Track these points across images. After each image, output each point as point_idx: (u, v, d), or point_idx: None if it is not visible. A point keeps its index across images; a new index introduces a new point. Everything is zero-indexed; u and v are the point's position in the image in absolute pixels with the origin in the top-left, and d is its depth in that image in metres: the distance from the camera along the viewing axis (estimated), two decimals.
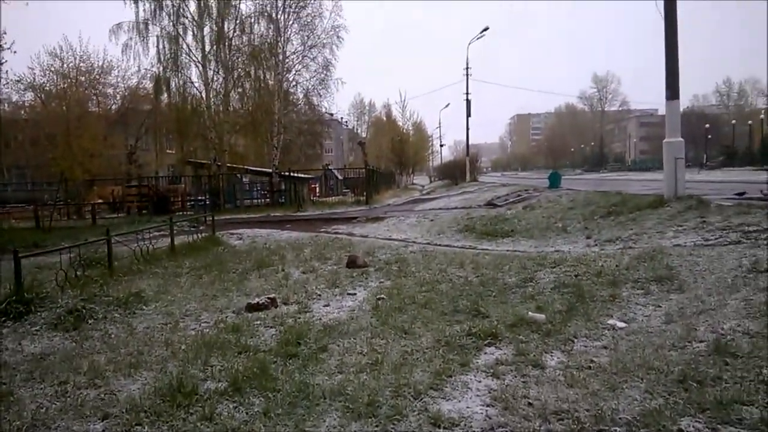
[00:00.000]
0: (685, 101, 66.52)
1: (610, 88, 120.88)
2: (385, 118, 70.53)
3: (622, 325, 4.84)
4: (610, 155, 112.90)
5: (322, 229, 15.90)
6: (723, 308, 4.81)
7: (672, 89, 12.05)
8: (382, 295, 6.53)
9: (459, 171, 48.04)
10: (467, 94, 46.98)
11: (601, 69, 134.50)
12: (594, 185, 24.47)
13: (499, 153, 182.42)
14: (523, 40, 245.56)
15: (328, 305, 6.43)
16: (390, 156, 61.44)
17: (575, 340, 4.54)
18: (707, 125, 74.39)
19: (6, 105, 37.70)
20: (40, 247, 12.36)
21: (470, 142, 49.61)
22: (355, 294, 6.94)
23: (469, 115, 47.35)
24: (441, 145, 77.63)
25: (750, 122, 73.09)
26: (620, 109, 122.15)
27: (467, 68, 47.01)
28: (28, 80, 34.09)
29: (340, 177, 44.48)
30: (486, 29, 43.29)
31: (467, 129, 47.82)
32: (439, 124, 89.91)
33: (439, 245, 11.50)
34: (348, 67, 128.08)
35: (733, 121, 74.80)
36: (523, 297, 6.12)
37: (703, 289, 5.48)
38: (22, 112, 38.63)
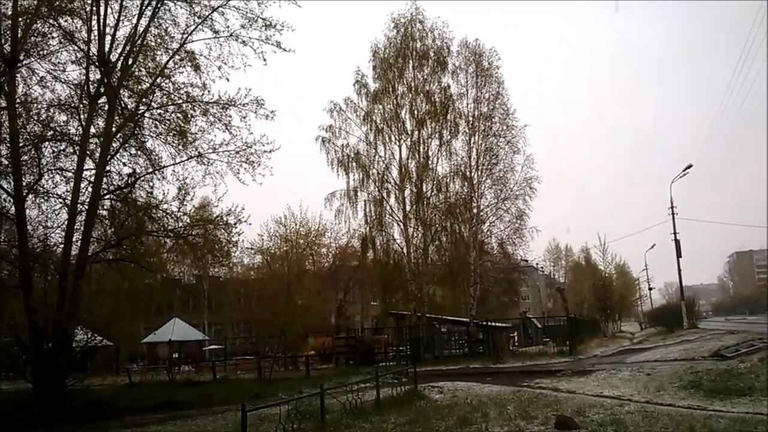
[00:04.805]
0: None
1: None
2: (584, 263, 67.59)
3: None
4: None
5: (524, 383, 15.27)
6: None
7: None
8: None
9: (674, 316, 43.43)
10: (675, 233, 43.62)
11: None
12: None
13: (719, 295, 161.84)
14: (730, 173, 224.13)
15: None
16: (592, 302, 57.97)
17: None
18: None
19: (239, 268, 44.29)
20: (261, 398, 14.25)
21: (684, 284, 45.07)
22: None
23: (679, 255, 43.55)
24: (650, 289, 71.27)
25: None
26: None
27: (672, 207, 44.18)
28: (258, 245, 40.03)
29: (539, 325, 42.63)
30: (689, 166, 40.99)
31: (679, 271, 43.70)
32: (645, 266, 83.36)
33: (661, 404, 10.34)
34: (543, 213, 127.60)
35: None
36: None
37: None
38: (251, 273, 44.95)
